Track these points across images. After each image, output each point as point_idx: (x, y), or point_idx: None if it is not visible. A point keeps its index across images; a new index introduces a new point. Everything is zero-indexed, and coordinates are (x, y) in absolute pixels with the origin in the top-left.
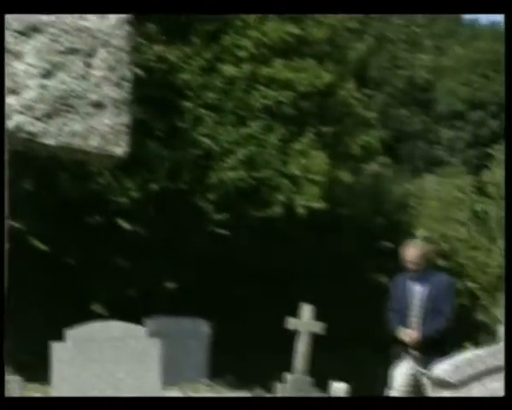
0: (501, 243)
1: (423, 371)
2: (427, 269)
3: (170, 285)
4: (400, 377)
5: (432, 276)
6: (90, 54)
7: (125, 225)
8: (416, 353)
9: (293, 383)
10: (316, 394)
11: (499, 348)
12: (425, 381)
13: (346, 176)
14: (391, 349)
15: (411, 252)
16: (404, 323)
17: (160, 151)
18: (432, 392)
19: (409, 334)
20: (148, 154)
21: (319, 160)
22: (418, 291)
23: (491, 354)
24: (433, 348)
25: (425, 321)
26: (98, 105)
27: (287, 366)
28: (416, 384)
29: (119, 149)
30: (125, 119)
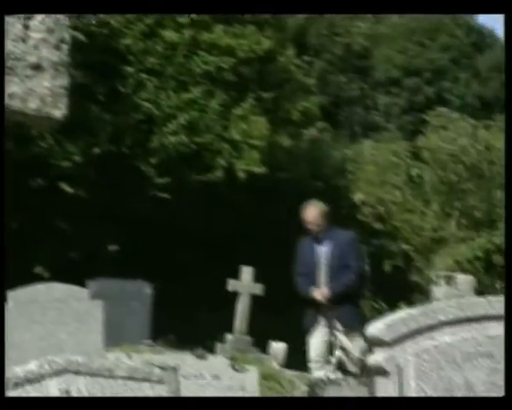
0: (435, 206)
1: (338, 334)
2: (328, 228)
3: (112, 248)
4: (316, 347)
5: (333, 234)
6: (29, 16)
7: (68, 188)
8: (329, 311)
9: (233, 343)
10: (255, 353)
11: (432, 307)
12: (341, 346)
13: (285, 141)
14: (304, 315)
15: (310, 213)
16: (313, 284)
17: (102, 115)
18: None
19: (320, 292)
20: (90, 118)
21: (259, 125)
22: (323, 251)
23: (423, 312)
24: (345, 302)
25: (333, 278)
26: (37, 67)
27: (227, 326)
28: (331, 350)
29: (58, 112)
30: (63, 81)
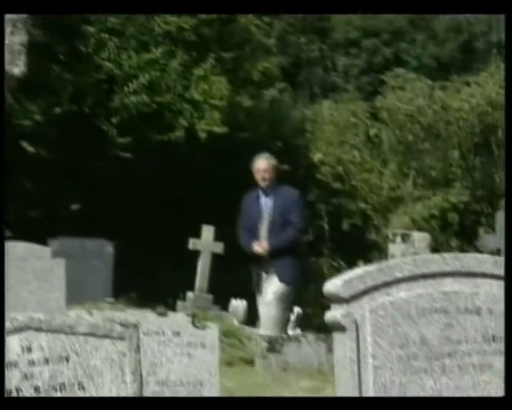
0: (392, 165)
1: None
2: (275, 183)
3: (74, 207)
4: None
5: (280, 190)
6: None
7: (29, 148)
8: (269, 265)
9: (194, 301)
10: (215, 311)
11: (388, 264)
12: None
13: (246, 101)
14: (250, 269)
15: (260, 165)
16: (256, 238)
17: (62, 75)
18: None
19: (259, 245)
20: (50, 77)
21: (220, 85)
22: (268, 205)
23: (380, 269)
24: (284, 258)
25: (274, 233)
26: None
27: (188, 284)
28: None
29: (17, 69)
30: (22, 38)
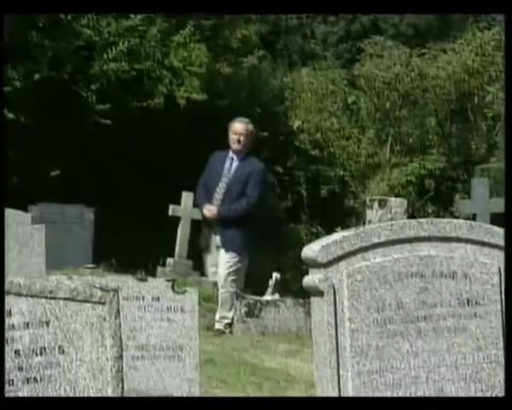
0: (370, 132)
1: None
2: (246, 152)
3: (54, 173)
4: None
5: (247, 160)
6: None
7: (9, 114)
8: (217, 230)
9: (173, 267)
10: (195, 276)
11: (365, 229)
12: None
13: (225, 68)
14: (202, 229)
15: (238, 127)
16: (210, 199)
17: (42, 41)
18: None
19: (209, 211)
20: (30, 44)
21: (199, 52)
22: (231, 170)
23: (357, 235)
24: (232, 227)
25: (228, 200)
26: None
27: (168, 250)
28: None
29: None
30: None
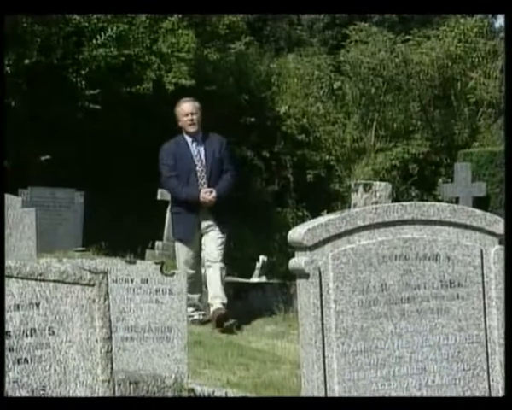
0: (355, 117)
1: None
2: (200, 129)
3: (44, 158)
4: (185, 254)
5: (207, 136)
6: None
7: None
8: (209, 215)
9: (162, 250)
10: None
11: (350, 212)
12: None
13: (212, 54)
14: (176, 221)
15: (188, 108)
16: (192, 185)
17: (32, 27)
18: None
19: (207, 192)
20: (20, 29)
21: (187, 38)
22: (200, 152)
23: (343, 218)
24: (224, 206)
25: (213, 181)
26: None
27: (157, 234)
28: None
29: None
30: None
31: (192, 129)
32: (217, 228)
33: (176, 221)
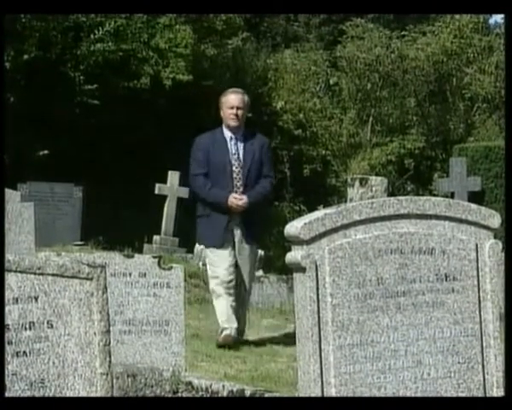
0: (351, 113)
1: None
2: (242, 126)
3: (42, 152)
4: (223, 265)
5: (248, 134)
6: None
7: None
8: (239, 222)
9: (160, 244)
10: (181, 253)
11: (347, 207)
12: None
13: (210, 50)
14: (205, 225)
15: (235, 100)
16: (223, 187)
17: (30, 22)
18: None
19: (238, 198)
20: (19, 24)
21: (184, 34)
22: (238, 150)
23: (339, 212)
24: (255, 214)
25: (249, 185)
26: None
27: (155, 228)
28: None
29: None
30: None
31: (234, 123)
32: (248, 244)
33: (202, 225)
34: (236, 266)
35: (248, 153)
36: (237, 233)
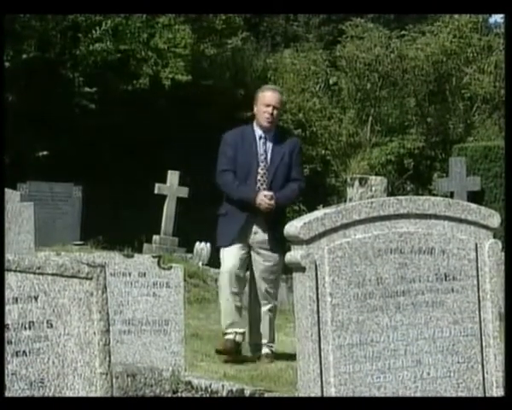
0: (351, 113)
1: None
2: (274, 126)
3: (42, 153)
4: (231, 260)
5: (277, 134)
6: None
7: None
8: (262, 224)
9: (159, 243)
10: (180, 253)
11: (346, 206)
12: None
13: (209, 50)
14: (225, 222)
15: (272, 99)
16: (250, 186)
17: (29, 22)
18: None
19: (268, 196)
20: (18, 24)
21: (184, 34)
22: (268, 150)
23: (338, 212)
24: (279, 218)
25: (277, 186)
26: None
27: (155, 228)
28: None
29: None
30: None
31: (267, 123)
32: (270, 249)
33: (220, 224)
34: (249, 269)
35: (277, 155)
36: (258, 235)
